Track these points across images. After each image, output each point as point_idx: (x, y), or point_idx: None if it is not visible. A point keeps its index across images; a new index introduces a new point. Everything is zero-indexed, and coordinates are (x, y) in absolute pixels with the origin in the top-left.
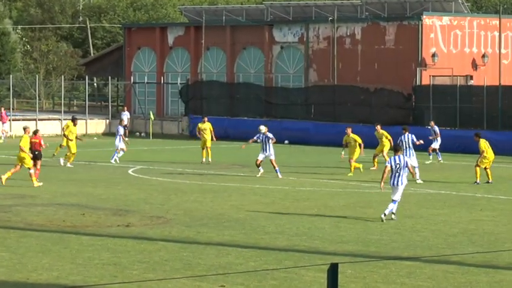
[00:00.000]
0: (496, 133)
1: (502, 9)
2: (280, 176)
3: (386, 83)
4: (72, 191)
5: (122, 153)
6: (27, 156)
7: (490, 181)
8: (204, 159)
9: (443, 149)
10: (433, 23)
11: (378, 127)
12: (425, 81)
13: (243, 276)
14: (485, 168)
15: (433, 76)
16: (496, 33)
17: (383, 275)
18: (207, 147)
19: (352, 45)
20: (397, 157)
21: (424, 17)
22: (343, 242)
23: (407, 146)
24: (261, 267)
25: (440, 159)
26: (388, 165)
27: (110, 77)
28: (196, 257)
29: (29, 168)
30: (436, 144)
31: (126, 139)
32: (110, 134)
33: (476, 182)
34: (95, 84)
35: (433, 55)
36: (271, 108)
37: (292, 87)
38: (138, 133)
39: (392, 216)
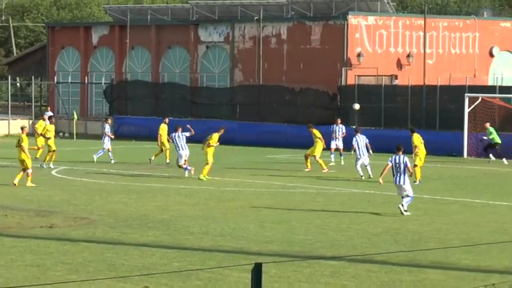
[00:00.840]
0: (420, 132)
1: (427, 9)
2: (187, 175)
3: (311, 82)
4: None
5: (102, 152)
6: (27, 158)
7: (417, 182)
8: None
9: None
10: (359, 23)
11: (312, 127)
12: (351, 81)
13: (167, 277)
14: (414, 166)
15: (358, 76)
16: (421, 33)
17: (307, 274)
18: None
19: (277, 44)
20: (397, 157)
21: (350, 16)
22: (268, 242)
23: (361, 146)
24: (185, 267)
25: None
26: (390, 164)
27: (33, 77)
28: (120, 258)
29: (28, 169)
30: (340, 144)
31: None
32: (33, 134)
33: (415, 182)
34: (18, 84)
35: (359, 55)
36: (196, 108)
37: (218, 87)
38: (61, 133)
39: (406, 211)
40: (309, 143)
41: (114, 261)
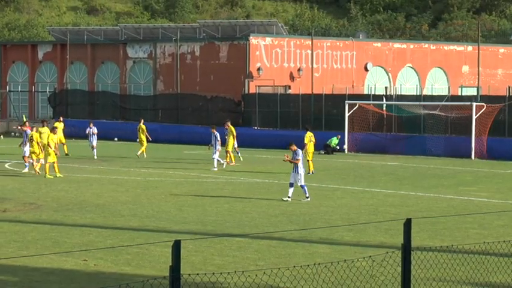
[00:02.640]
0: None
1: (314, 31)
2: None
3: (220, 91)
4: None
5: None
6: (53, 152)
7: (311, 172)
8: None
9: (269, 145)
10: (258, 43)
11: (229, 123)
12: (252, 90)
13: (102, 252)
14: (308, 161)
15: (258, 86)
16: (309, 51)
17: (218, 249)
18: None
19: (192, 60)
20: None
21: (251, 37)
22: (186, 223)
23: (216, 141)
24: (117, 244)
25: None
26: (300, 158)
27: None
28: (63, 237)
29: (43, 162)
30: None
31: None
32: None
33: (309, 172)
34: None
35: (259, 69)
36: (125, 112)
37: (143, 95)
38: (13, 133)
39: (307, 198)
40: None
41: (58, 239)
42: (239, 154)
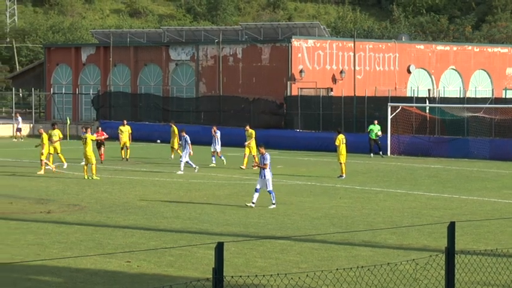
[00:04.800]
0: (351, 135)
1: (356, 34)
2: None
3: (262, 94)
4: (1, 183)
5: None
6: (92, 153)
7: (342, 176)
8: (123, 157)
9: (311, 148)
10: (301, 45)
11: (248, 127)
12: (294, 92)
13: (145, 253)
14: (340, 163)
15: (300, 88)
16: (351, 54)
17: (261, 251)
18: (126, 147)
19: (234, 62)
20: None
21: (293, 40)
22: (228, 225)
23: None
24: (160, 245)
25: (219, 160)
26: (268, 163)
27: (33, 89)
28: (107, 238)
29: (92, 164)
30: (218, 147)
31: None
32: (34, 136)
33: (341, 175)
34: (21, 94)
35: (301, 71)
36: (167, 115)
37: (185, 97)
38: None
39: (273, 205)
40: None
41: (102, 240)
42: (223, 158)
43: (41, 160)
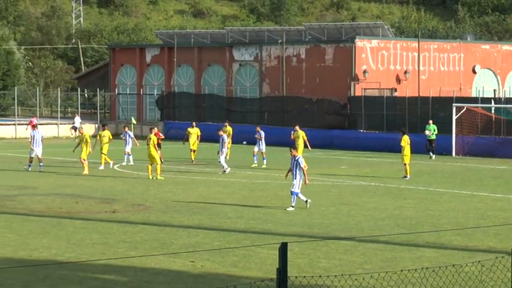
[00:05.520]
0: (415, 135)
1: (420, 34)
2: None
3: (326, 94)
4: (68, 183)
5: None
6: (156, 154)
7: (407, 176)
8: (193, 160)
9: (375, 148)
10: (364, 45)
11: (297, 127)
12: (358, 92)
13: (209, 253)
14: (404, 164)
15: (364, 88)
16: (416, 54)
17: (324, 252)
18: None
19: (297, 63)
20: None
21: (357, 40)
22: (292, 225)
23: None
24: (224, 245)
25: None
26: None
27: (98, 89)
28: (171, 238)
29: (157, 164)
30: (263, 147)
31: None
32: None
33: (405, 176)
34: (86, 95)
35: (364, 71)
36: (231, 115)
37: (249, 97)
38: (121, 135)
39: (293, 207)
40: (325, 144)
41: (166, 240)
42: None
43: (82, 160)
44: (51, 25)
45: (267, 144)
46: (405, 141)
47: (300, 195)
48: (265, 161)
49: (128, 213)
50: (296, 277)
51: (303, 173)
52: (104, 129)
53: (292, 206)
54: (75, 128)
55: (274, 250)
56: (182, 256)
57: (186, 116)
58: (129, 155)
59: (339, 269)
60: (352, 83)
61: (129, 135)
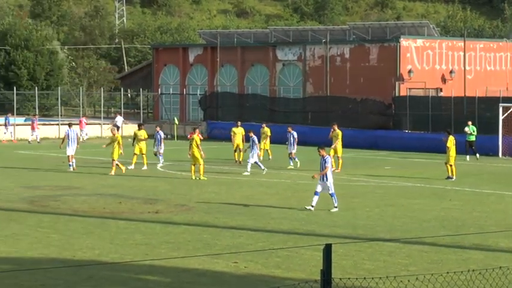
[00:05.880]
0: (462, 136)
1: (466, 33)
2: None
3: (370, 94)
4: (111, 183)
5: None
6: (200, 155)
7: (452, 177)
8: (237, 160)
9: (420, 149)
10: (409, 45)
11: (335, 127)
12: (403, 92)
13: (252, 254)
14: (450, 165)
15: (409, 88)
16: (461, 53)
17: (369, 253)
18: (239, 149)
19: (341, 62)
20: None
21: (402, 39)
22: (336, 226)
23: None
24: (267, 247)
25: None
26: (329, 165)
27: (141, 89)
28: (214, 239)
29: (200, 164)
30: (292, 149)
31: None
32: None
33: (449, 177)
34: (129, 94)
35: (409, 71)
36: (274, 115)
37: (292, 97)
38: (164, 135)
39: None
40: (369, 144)
41: (209, 241)
42: (296, 159)
43: (113, 160)
44: (95, 25)
45: (310, 144)
46: (451, 141)
47: (334, 196)
48: (291, 161)
49: (171, 213)
50: (340, 279)
51: (324, 170)
52: (140, 129)
53: (335, 207)
54: (117, 127)
55: (318, 251)
56: (225, 257)
57: (229, 116)
58: (160, 155)
59: (384, 271)
60: (396, 82)
61: (160, 136)
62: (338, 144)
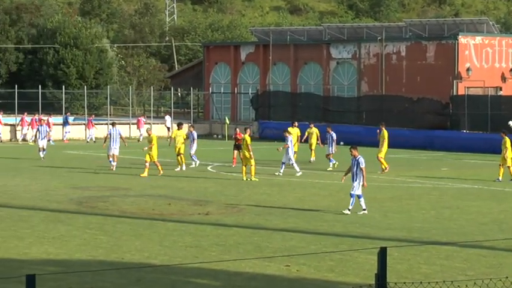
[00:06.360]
0: None
1: None
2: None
3: (427, 93)
4: (160, 184)
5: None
6: (250, 155)
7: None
8: (312, 159)
9: (478, 150)
10: (468, 42)
11: (382, 127)
12: (461, 91)
13: (305, 258)
14: (508, 167)
15: (467, 87)
16: None
17: (425, 257)
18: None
19: (397, 61)
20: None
21: (460, 36)
22: (390, 229)
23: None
24: (320, 250)
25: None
26: (363, 166)
27: (191, 88)
28: (265, 241)
29: (251, 165)
30: (331, 150)
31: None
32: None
33: (497, 179)
34: (179, 94)
35: (468, 69)
36: (328, 115)
37: (347, 96)
38: (215, 135)
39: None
40: (426, 145)
41: (260, 243)
42: (334, 161)
43: (146, 161)
44: (145, 22)
45: (365, 145)
46: (509, 142)
47: (361, 199)
48: (330, 163)
49: (222, 215)
50: (395, 283)
51: (363, 174)
52: (179, 129)
53: (364, 209)
54: (167, 128)
55: (373, 255)
56: (277, 260)
57: (281, 115)
58: (193, 156)
59: (440, 275)
60: (454, 81)
61: (193, 136)
62: (385, 144)
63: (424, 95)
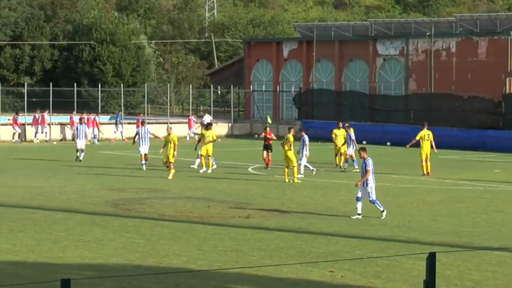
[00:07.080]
0: None
1: None
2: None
3: (478, 91)
4: (199, 186)
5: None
6: (293, 156)
7: None
8: (337, 164)
9: None
10: None
11: (425, 127)
12: None
13: (350, 263)
14: None
15: None
16: None
17: (476, 263)
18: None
19: (447, 57)
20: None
21: None
22: (439, 234)
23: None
24: (366, 255)
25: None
26: (371, 168)
27: (232, 86)
28: (308, 246)
29: (294, 166)
30: (351, 150)
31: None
32: (233, 135)
33: None
34: (219, 92)
35: None
36: (374, 114)
37: (394, 95)
38: (256, 135)
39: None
40: (477, 146)
41: (303, 248)
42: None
43: (170, 163)
44: (183, 18)
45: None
46: None
47: (377, 202)
48: (355, 164)
49: (263, 218)
50: None
51: (369, 175)
52: (208, 129)
53: (382, 211)
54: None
55: (421, 260)
56: (321, 265)
57: (325, 114)
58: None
59: (492, 282)
60: (507, 79)
61: (304, 142)
62: (426, 146)
63: (475, 93)
